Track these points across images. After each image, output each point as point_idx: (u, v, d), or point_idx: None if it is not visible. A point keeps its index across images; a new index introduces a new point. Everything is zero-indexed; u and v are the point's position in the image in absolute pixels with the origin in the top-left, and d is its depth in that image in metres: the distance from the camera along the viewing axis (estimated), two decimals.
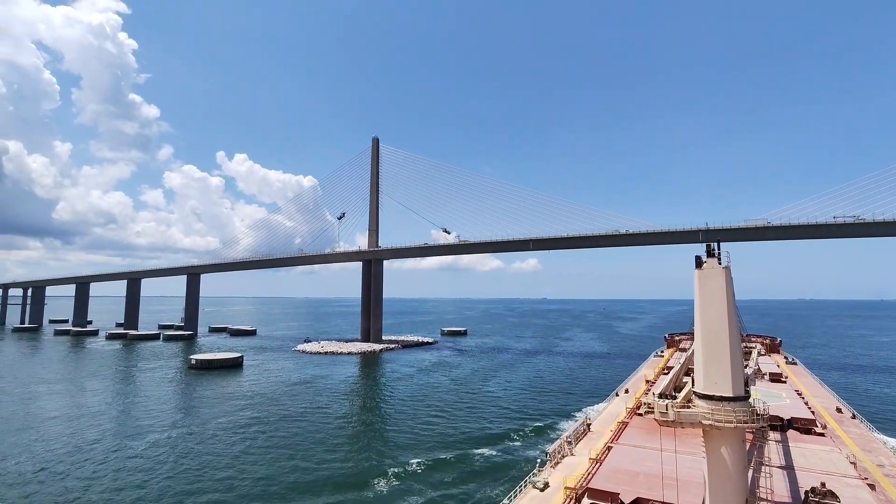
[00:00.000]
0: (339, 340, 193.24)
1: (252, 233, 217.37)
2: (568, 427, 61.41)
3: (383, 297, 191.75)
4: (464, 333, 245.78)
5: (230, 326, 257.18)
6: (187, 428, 70.82)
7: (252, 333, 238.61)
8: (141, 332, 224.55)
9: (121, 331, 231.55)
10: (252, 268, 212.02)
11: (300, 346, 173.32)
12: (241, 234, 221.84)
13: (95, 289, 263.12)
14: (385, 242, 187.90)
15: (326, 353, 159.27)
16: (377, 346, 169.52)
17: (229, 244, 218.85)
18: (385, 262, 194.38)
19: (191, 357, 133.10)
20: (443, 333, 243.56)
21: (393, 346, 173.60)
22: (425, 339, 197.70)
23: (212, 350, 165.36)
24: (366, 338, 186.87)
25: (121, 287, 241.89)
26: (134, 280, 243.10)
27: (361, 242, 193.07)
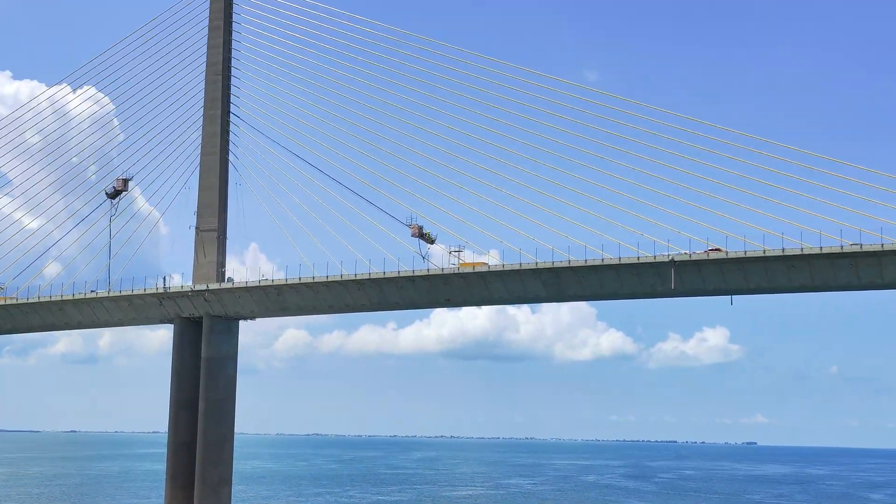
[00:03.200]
0: None
1: None
2: None
3: (236, 430, 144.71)
4: None
5: None
6: None
7: None
8: None
9: None
10: None
11: None
12: None
13: None
14: (285, 268, 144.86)
15: None
16: None
17: None
18: (257, 325, 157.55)
19: None
20: None
21: None
22: None
23: None
24: None
25: None
26: None
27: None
